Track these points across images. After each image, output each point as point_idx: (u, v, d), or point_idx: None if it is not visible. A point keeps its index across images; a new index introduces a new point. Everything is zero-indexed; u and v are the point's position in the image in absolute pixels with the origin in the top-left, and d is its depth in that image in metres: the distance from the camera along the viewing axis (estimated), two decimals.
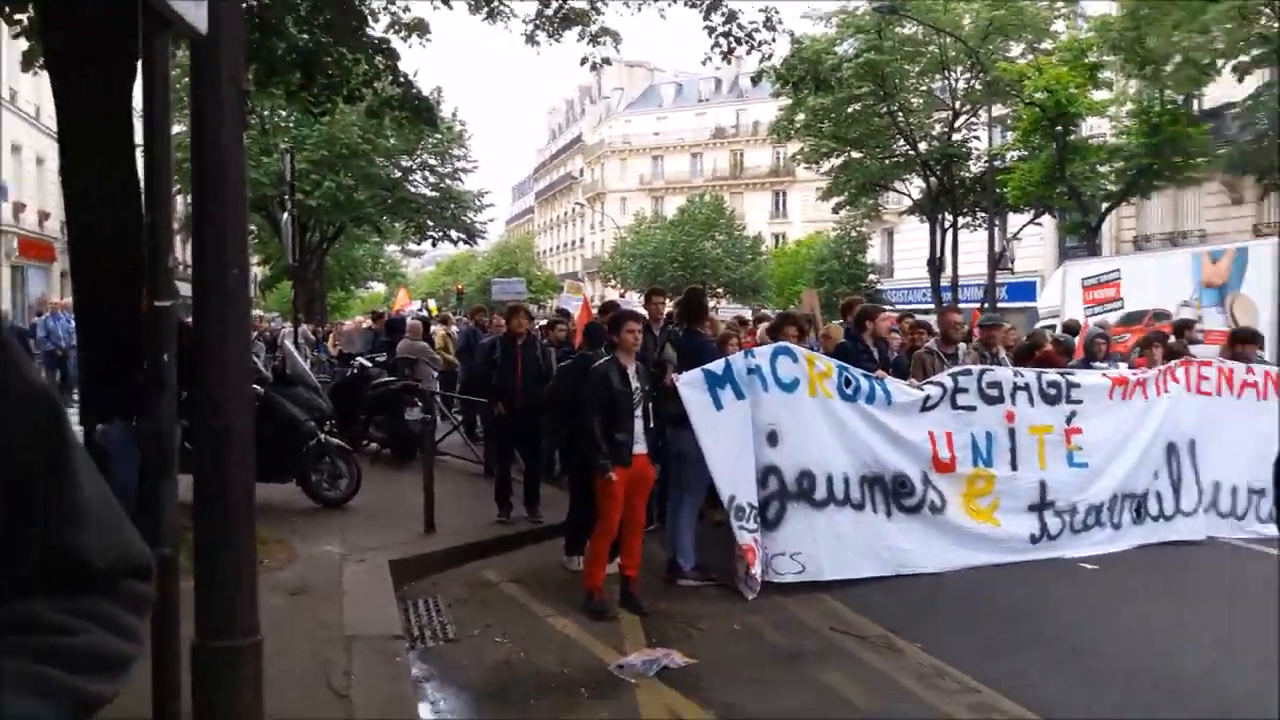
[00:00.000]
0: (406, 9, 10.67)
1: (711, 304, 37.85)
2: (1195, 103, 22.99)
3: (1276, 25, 15.92)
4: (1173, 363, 8.43)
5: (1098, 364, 8.82)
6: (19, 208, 26.31)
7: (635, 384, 5.88)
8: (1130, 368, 9.17)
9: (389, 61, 9.94)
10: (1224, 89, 19.38)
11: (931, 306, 24.15)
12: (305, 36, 9.06)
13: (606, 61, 11.32)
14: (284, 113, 22.85)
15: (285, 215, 14.51)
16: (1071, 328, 11.78)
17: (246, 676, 3.28)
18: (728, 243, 43.16)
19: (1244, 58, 16.67)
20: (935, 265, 26.23)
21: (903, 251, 35.90)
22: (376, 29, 11.94)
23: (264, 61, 8.83)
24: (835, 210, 30.55)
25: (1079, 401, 7.55)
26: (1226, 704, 4.49)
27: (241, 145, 3.48)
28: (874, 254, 38.22)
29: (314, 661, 4.55)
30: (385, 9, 10.54)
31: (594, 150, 70.32)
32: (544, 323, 10.56)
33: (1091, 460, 7.48)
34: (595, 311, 9.81)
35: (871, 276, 35.94)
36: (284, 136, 25.13)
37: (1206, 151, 20.43)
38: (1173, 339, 9.39)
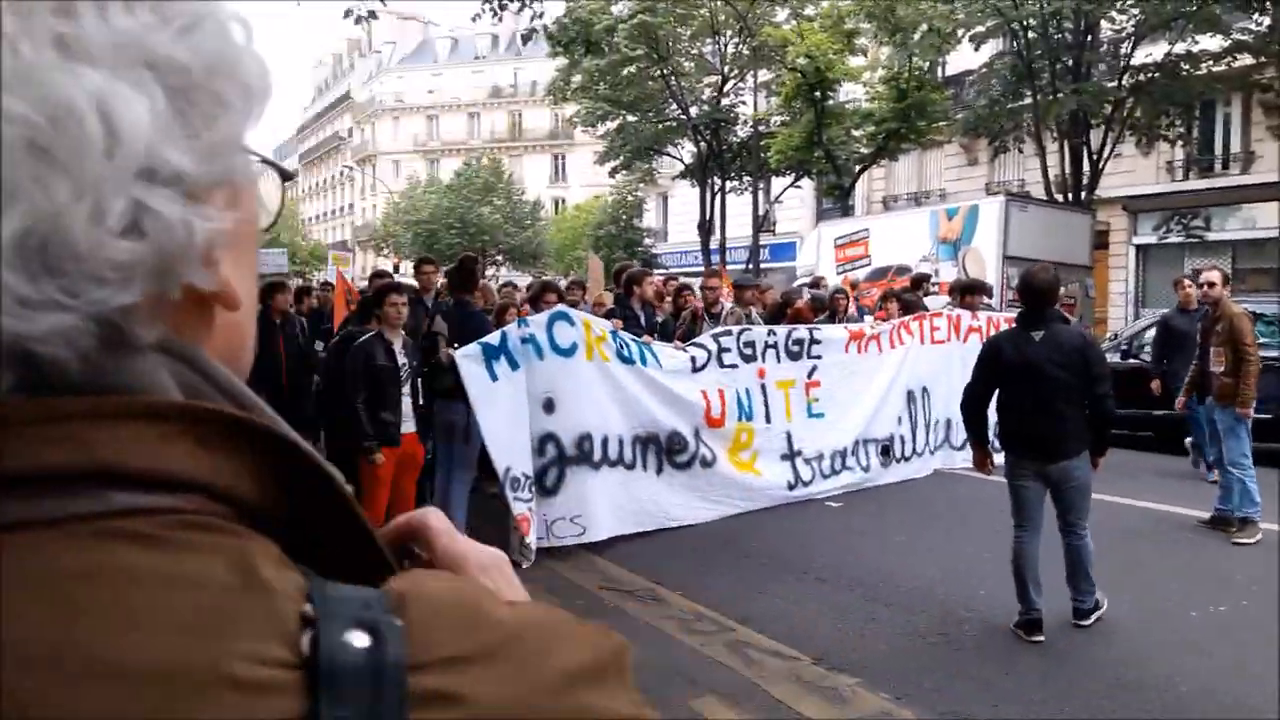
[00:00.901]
0: None
1: (490, 271, 37.57)
2: (939, 70, 25.08)
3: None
4: (906, 318, 9.31)
5: (841, 320, 9.58)
6: None
7: (402, 359, 5.76)
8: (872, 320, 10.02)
9: None
10: (964, 58, 21.26)
11: (703, 269, 25.09)
12: None
13: (373, 15, 10.81)
14: None
15: None
16: (817, 285, 12.65)
17: None
18: (506, 208, 42.59)
19: (980, 28, 18.34)
20: (705, 228, 27.22)
21: (676, 215, 36.97)
22: None
23: None
24: (611, 174, 30.92)
25: (819, 357, 8.20)
26: (947, 610, 5.09)
27: None
28: (650, 218, 39.11)
29: None
30: None
31: (364, 109, 66.98)
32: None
33: (828, 411, 8.17)
34: (354, 286, 9.40)
35: (647, 240, 36.76)
36: None
37: (947, 116, 22.37)
38: (909, 294, 10.32)
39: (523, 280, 21.62)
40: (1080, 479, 4.77)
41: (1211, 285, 6.77)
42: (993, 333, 10.06)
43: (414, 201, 45.04)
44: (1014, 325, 5.09)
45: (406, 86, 64.70)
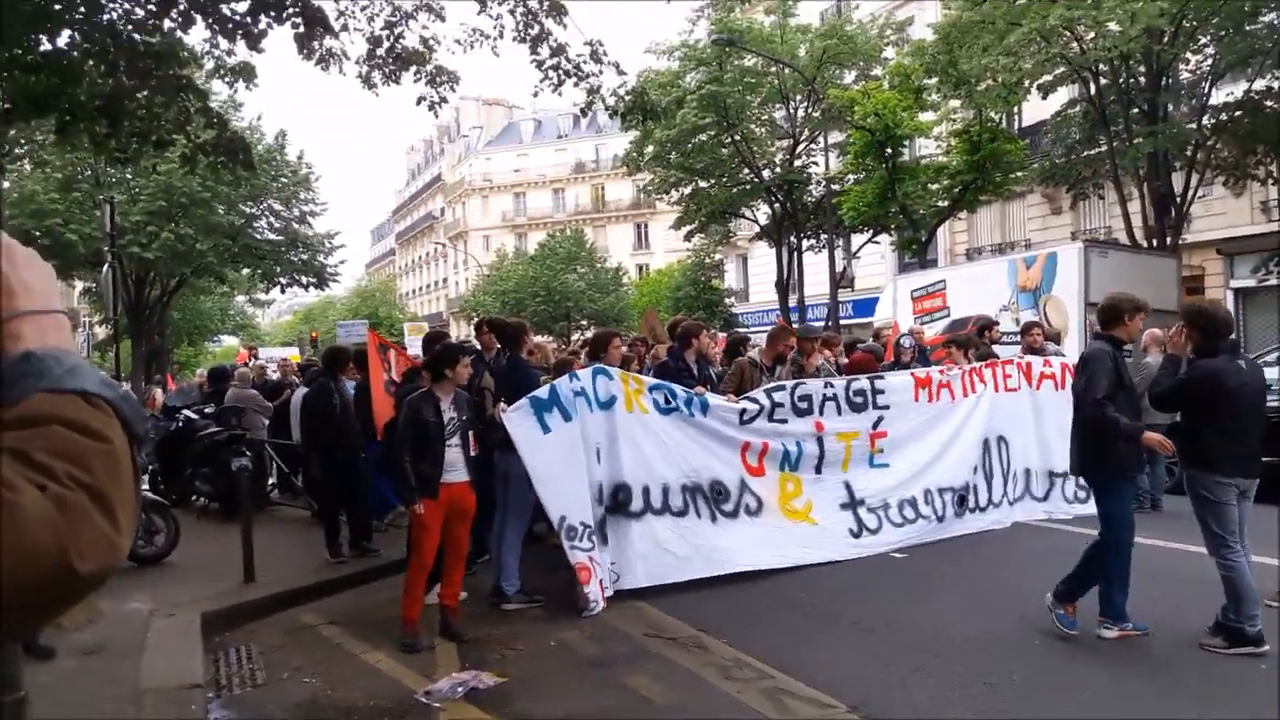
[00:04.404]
0: (231, 53, 10.40)
1: (576, 335, 38.22)
2: (1015, 120, 24.77)
3: (1075, 46, 17.32)
4: (979, 364, 9.09)
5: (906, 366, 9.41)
6: None
7: (450, 414, 5.92)
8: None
9: (199, 103, 9.69)
10: (1041, 107, 20.95)
11: None
12: (109, 81, 8.76)
13: (444, 101, 11.32)
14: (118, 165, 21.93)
15: (105, 268, 13.87)
16: (878, 336, 12.48)
17: None
18: (589, 275, 43.52)
19: (1047, 77, 18.09)
20: (783, 286, 27.19)
21: (756, 275, 37.07)
22: (199, 75, 11.65)
23: (63, 110, 8.49)
24: (687, 238, 31.30)
25: (885, 407, 8.03)
26: (997, 661, 4.87)
27: None
28: (731, 279, 39.30)
29: (101, 718, 4.38)
30: (208, 54, 10.26)
31: (454, 189, 69.82)
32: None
33: (892, 460, 7.96)
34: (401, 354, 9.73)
35: (728, 300, 36.90)
36: (119, 189, 24.07)
37: (1023, 166, 22.01)
38: (964, 337, 10.11)
39: None
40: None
41: None
42: (1069, 380, 9.82)
43: (501, 273, 46.44)
44: (1208, 356, 5.16)
45: (494, 167, 67.32)
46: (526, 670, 5.09)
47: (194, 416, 10.65)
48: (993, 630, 5.46)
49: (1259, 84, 16.56)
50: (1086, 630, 5.31)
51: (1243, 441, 5.08)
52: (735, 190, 27.64)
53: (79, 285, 33.85)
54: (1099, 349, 5.27)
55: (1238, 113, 16.75)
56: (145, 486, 8.85)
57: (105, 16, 8.82)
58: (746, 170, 26.80)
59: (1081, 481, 9.11)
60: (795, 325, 19.41)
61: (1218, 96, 17.26)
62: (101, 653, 5.34)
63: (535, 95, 11.39)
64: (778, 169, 26.82)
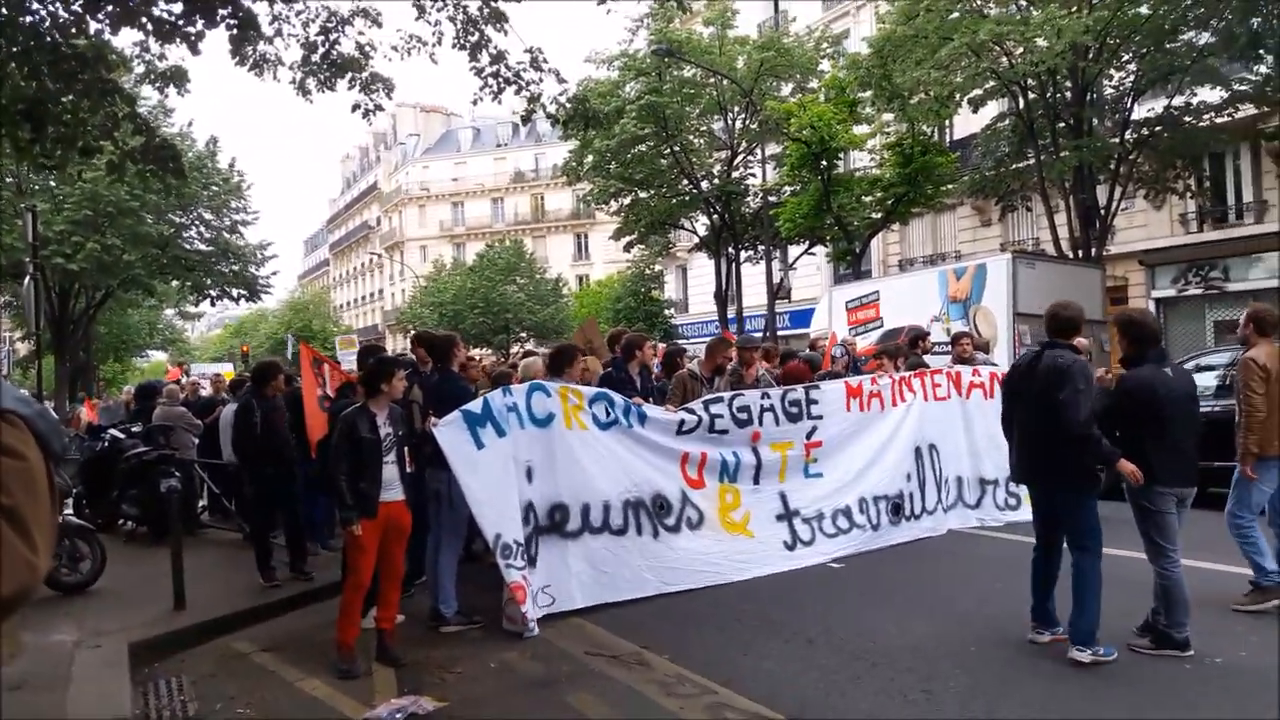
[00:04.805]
0: (162, 57, 10.09)
1: (516, 348, 37.94)
2: (946, 134, 25.34)
3: (1005, 61, 17.79)
4: (908, 374, 9.25)
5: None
6: None
7: (386, 430, 5.82)
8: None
9: (127, 108, 9.40)
10: (971, 121, 21.48)
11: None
12: (32, 85, 8.44)
13: (379, 108, 11.16)
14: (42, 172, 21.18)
15: (27, 280, 13.36)
16: (814, 346, 12.64)
17: None
18: (529, 286, 43.28)
19: (978, 91, 18.56)
20: (722, 298, 27.38)
21: (695, 287, 37.30)
22: (128, 79, 11.29)
23: None
24: (627, 249, 31.36)
25: (819, 416, 8.14)
26: (935, 668, 4.95)
27: None
28: (671, 290, 39.45)
29: None
30: (138, 57, 9.94)
31: (391, 198, 68.93)
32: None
33: (826, 470, 8.07)
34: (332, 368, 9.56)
35: (667, 312, 37.04)
36: (42, 197, 23.23)
37: (954, 179, 22.54)
38: (894, 347, 10.32)
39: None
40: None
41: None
42: (998, 389, 10.04)
43: (439, 284, 45.92)
44: (1138, 365, 5.24)
45: (431, 175, 66.64)
46: (467, 693, 5.02)
47: (120, 436, 10.30)
48: (930, 637, 5.56)
49: (1178, 100, 17.24)
50: (1021, 635, 5.44)
51: (1180, 450, 5.15)
52: (674, 201, 27.78)
53: None
54: (1082, 363, 5.17)
55: (1158, 128, 17.43)
56: (69, 511, 8.52)
57: (28, 19, 8.53)
58: (685, 181, 26.97)
59: (1013, 489, 9.38)
60: (735, 335, 19.56)
61: (1139, 112, 17.93)
62: (24, 687, 5.11)
63: (475, 103, 11.25)
64: (716, 180, 27.04)
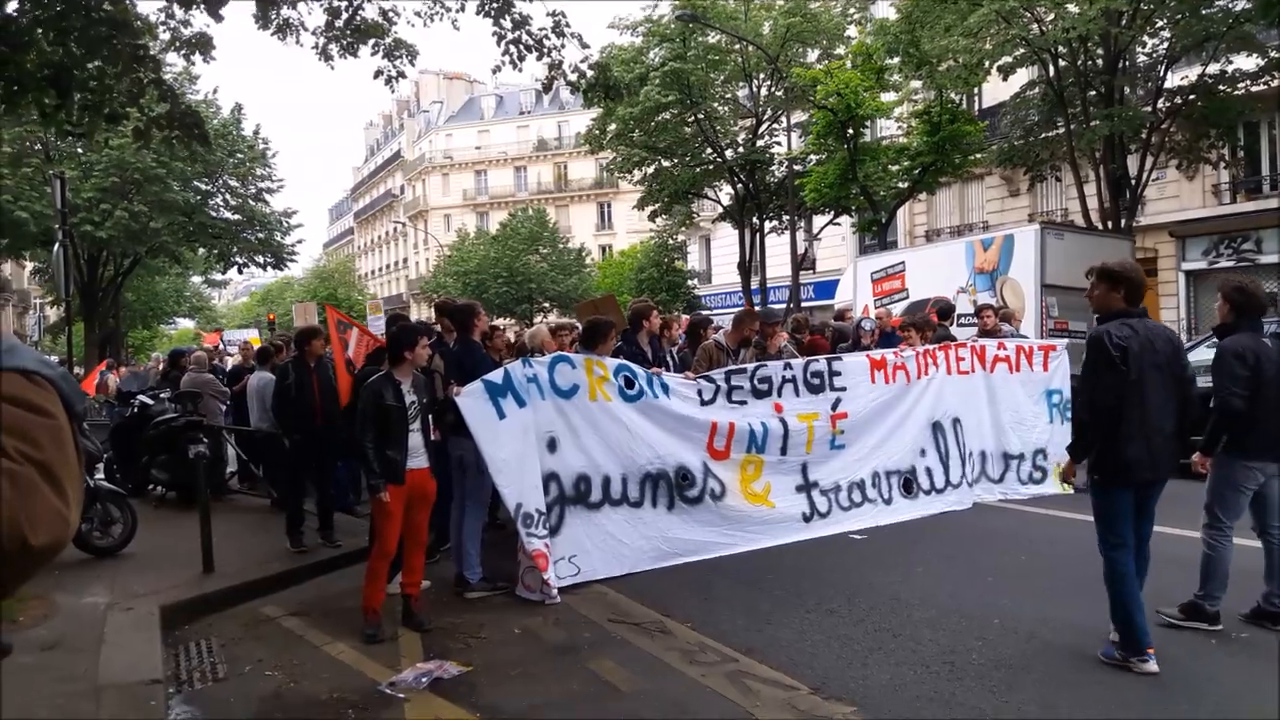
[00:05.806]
0: (187, 23, 10.07)
1: (539, 318, 38.04)
2: (975, 102, 24.90)
3: (1035, 28, 17.42)
4: (932, 347, 9.17)
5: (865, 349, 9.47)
6: None
7: (411, 398, 5.85)
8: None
9: (153, 75, 9.41)
10: (1000, 89, 21.09)
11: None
12: (59, 51, 8.46)
13: (402, 75, 11.10)
14: (70, 139, 21.34)
15: (56, 247, 13.51)
16: (842, 317, 12.54)
17: None
18: (552, 255, 43.26)
19: (1007, 59, 18.20)
20: (745, 268, 27.23)
21: (719, 257, 37.11)
22: (154, 46, 11.31)
23: (9, 79, 8.20)
24: (651, 219, 31.22)
25: (843, 389, 8.10)
26: (957, 639, 4.96)
27: None
28: (694, 260, 39.28)
29: (58, 715, 4.30)
30: (163, 24, 9.93)
31: (414, 166, 68.89)
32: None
33: (849, 441, 8.04)
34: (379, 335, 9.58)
35: (691, 282, 36.90)
36: (70, 164, 23.41)
37: (982, 148, 22.16)
38: (922, 319, 10.20)
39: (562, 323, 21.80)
40: None
41: None
42: (1023, 362, 9.93)
43: (463, 253, 46.00)
44: (1238, 333, 5.11)
45: (455, 143, 66.45)
46: (491, 658, 5.09)
47: (149, 402, 10.44)
48: (952, 609, 5.56)
49: (1212, 68, 16.84)
50: (1041, 608, 5.43)
51: (1270, 421, 5.01)
52: (698, 170, 27.57)
53: (29, 265, 33.01)
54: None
55: (1191, 96, 17.04)
56: (101, 475, 8.65)
57: None
58: (709, 150, 26.73)
59: (1039, 461, 9.33)
60: (757, 308, 19.49)
61: (1172, 80, 17.53)
62: (58, 648, 5.24)
63: (496, 71, 11.14)
64: (740, 149, 26.77)
